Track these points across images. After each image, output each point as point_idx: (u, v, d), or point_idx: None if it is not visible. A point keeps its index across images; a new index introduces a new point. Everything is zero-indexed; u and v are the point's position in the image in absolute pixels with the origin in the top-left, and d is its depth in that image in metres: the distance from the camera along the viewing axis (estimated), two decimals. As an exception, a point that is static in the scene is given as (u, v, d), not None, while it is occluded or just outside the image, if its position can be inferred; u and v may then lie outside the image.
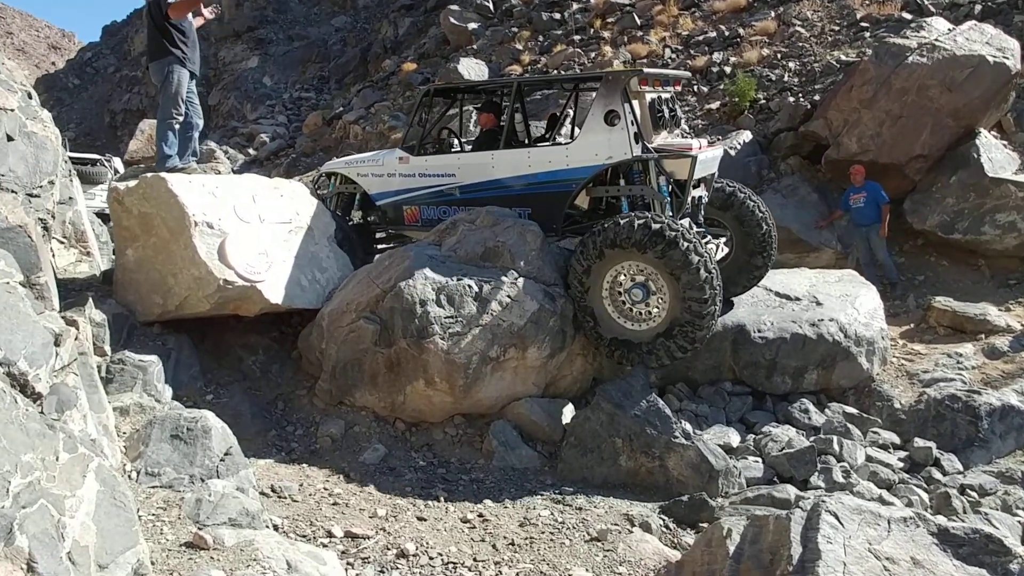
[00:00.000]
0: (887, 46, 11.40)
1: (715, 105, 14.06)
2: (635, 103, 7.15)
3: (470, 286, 6.19)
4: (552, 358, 6.41)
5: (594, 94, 7.29)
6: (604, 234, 6.44)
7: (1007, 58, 10.87)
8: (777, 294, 8.33)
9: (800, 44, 15.07)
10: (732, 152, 12.09)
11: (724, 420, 7.24)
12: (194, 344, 6.78)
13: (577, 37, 19.40)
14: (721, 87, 14.46)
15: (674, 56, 16.75)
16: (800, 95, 12.99)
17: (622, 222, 6.39)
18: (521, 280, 6.34)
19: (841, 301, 8.23)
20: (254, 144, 25.45)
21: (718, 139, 12.71)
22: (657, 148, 7.16)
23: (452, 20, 22.83)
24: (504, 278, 6.29)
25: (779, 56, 14.85)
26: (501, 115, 8.31)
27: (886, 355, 8.21)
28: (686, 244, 6.24)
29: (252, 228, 6.80)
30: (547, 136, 8.57)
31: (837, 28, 15.21)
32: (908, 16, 14.27)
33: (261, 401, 6.61)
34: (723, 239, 7.99)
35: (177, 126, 7.47)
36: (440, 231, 6.98)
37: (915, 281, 11.16)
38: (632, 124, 6.94)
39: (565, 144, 7.53)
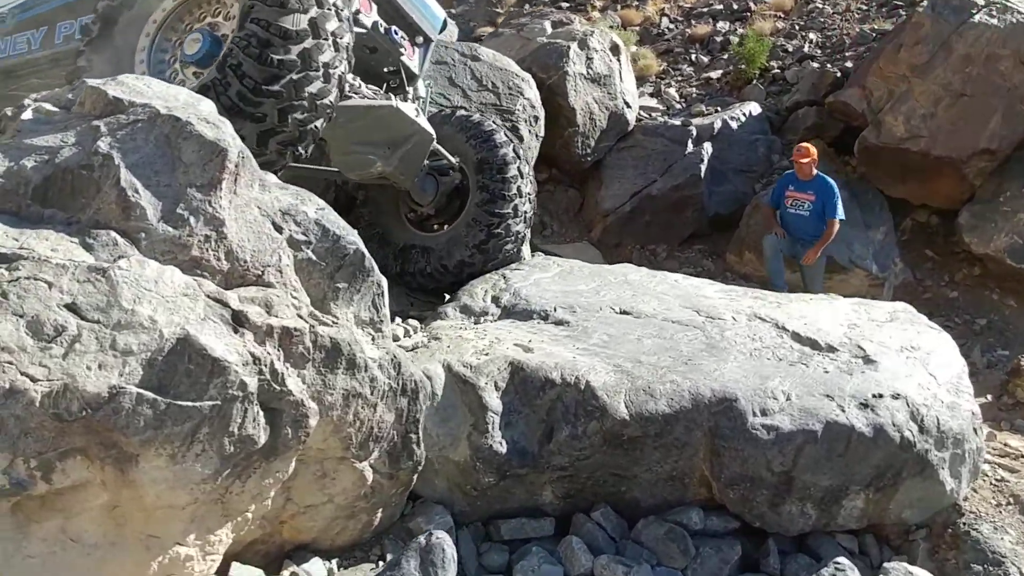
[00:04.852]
0: (946, -4, 7.17)
1: (716, 74, 9.74)
2: None
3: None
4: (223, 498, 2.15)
5: None
6: None
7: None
8: (797, 338, 4.08)
9: (822, 20, 10.82)
10: (733, 125, 7.80)
11: (683, 590, 3.12)
12: None
13: (565, 4, 15.08)
14: (725, 56, 10.16)
15: (672, 26, 12.42)
16: (827, 64, 8.67)
17: None
18: (145, 265, 2.01)
19: (904, 357, 4.03)
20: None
21: (716, 111, 8.41)
22: None
23: (437, -15, 18.52)
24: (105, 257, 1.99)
25: (797, 28, 10.58)
26: None
27: (978, 461, 3.92)
28: None
29: None
30: None
31: (866, 7, 10.95)
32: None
33: None
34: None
35: None
36: None
37: (975, 327, 6.90)
38: None
39: None
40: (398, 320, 4.10)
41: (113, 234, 2.00)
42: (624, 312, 4.21)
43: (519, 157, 4.91)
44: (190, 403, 1.95)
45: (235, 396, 2.02)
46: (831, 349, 3.99)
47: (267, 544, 2.81)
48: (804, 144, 6.68)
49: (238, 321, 2.06)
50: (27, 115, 2.15)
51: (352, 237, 2.47)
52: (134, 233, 2.04)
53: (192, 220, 2.11)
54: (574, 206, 7.78)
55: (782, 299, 4.85)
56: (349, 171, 4.61)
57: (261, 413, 2.12)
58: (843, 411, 3.43)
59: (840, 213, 6.31)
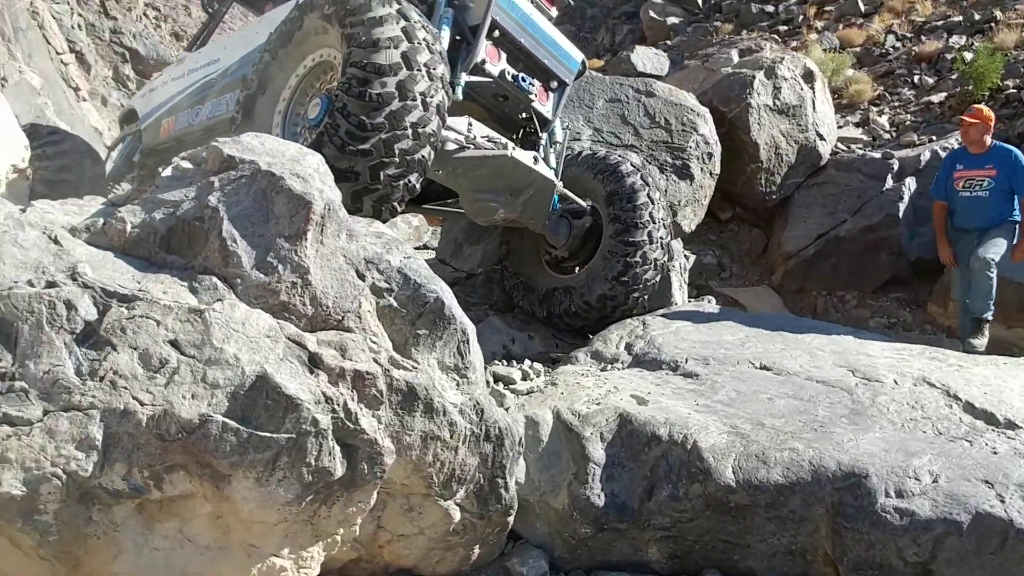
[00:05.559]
0: None
1: (938, 98, 8.97)
2: None
3: (76, 318, 2.20)
4: (311, 517, 2.44)
5: None
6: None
7: None
8: (969, 409, 3.74)
9: (1087, 27, 9.53)
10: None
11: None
12: None
13: (783, 28, 14.58)
14: (954, 76, 9.32)
15: (898, 44, 11.61)
16: (1077, 81, 7.69)
17: None
18: (235, 308, 2.37)
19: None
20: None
21: (931, 139, 7.77)
22: None
23: (652, 14, 18.66)
24: (202, 294, 2.37)
25: (1050, 39, 9.44)
26: None
27: None
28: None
29: None
30: None
31: None
32: None
33: None
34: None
35: None
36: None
37: None
38: None
39: None
40: (528, 363, 4.30)
41: (215, 279, 2.37)
42: (764, 367, 4.09)
43: (648, 184, 4.98)
44: (269, 434, 2.27)
45: (308, 431, 2.32)
46: (1011, 426, 3.59)
47: (371, 564, 3.10)
48: (976, 105, 5.53)
49: (314, 363, 2.36)
50: (167, 172, 2.62)
51: (433, 286, 2.69)
52: (232, 279, 2.40)
53: (280, 268, 2.42)
54: (757, 247, 7.53)
55: (966, 361, 4.42)
56: (476, 217, 4.94)
57: (337, 448, 2.41)
58: (1002, 501, 3.08)
59: None
